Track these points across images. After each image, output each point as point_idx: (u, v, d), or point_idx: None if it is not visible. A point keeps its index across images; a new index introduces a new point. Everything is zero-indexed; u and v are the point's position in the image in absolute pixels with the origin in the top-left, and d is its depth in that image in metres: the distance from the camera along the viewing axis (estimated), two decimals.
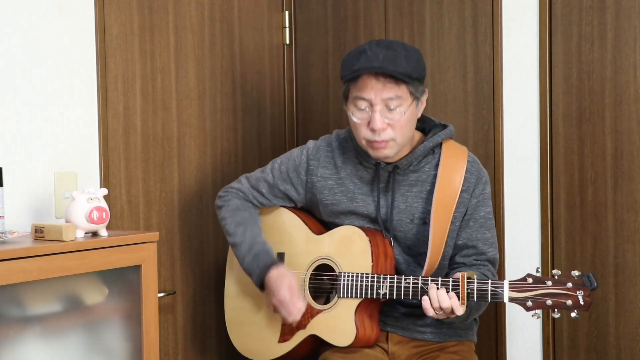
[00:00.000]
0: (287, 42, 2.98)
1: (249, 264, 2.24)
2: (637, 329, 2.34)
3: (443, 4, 2.64)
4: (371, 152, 2.13)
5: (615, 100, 2.35)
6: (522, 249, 2.50)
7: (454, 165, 2.16)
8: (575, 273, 1.88)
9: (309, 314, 2.20)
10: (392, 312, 2.22)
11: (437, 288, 1.97)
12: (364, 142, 2.12)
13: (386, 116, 2.07)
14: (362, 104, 2.08)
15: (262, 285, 2.22)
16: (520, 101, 2.50)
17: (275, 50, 2.96)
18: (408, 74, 2.05)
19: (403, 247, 2.20)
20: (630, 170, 2.33)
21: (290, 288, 2.15)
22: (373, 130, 2.08)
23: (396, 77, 2.04)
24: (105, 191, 2.00)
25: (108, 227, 2.03)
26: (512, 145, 2.52)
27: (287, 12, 2.97)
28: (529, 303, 1.90)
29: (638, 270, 2.33)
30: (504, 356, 2.54)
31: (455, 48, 2.62)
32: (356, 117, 2.11)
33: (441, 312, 1.97)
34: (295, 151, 2.33)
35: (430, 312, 1.98)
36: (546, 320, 2.46)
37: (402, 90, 2.06)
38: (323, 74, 2.94)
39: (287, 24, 2.98)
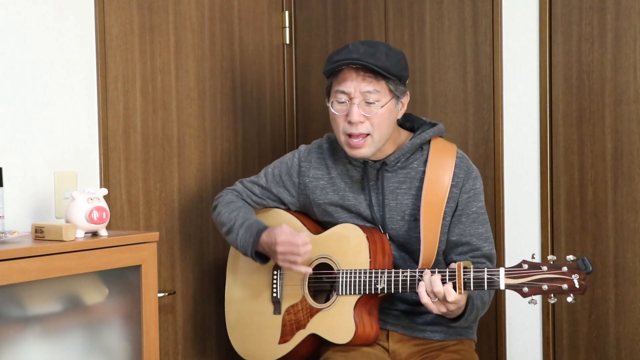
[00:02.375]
0: (287, 42, 2.98)
1: (242, 237, 2.23)
2: (637, 329, 2.34)
3: (443, 4, 2.64)
4: (348, 151, 2.17)
5: (615, 100, 2.35)
6: (522, 249, 2.49)
7: (442, 161, 2.17)
8: (571, 257, 1.88)
9: (309, 313, 2.20)
10: (392, 311, 2.23)
11: (432, 274, 1.98)
12: (342, 138, 2.16)
13: (364, 109, 2.11)
14: (342, 97, 2.14)
15: (259, 255, 2.22)
16: (520, 101, 2.50)
17: (275, 50, 2.96)
18: (386, 68, 2.09)
19: (397, 245, 2.21)
20: (630, 170, 2.33)
21: (285, 231, 2.13)
22: (350, 123, 2.12)
23: (374, 71, 2.08)
24: (105, 191, 2.00)
25: (108, 227, 2.03)
26: (512, 145, 2.52)
27: (287, 12, 2.97)
28: (525, 289, 1.90)
29: (638, 270, 2.33)
30: (504, 356, 2.54)
31: (455, 48, 2.62)
32: (335, 109, 2.16)
33: (436, 298, 1.97)
34: (287, 155, 2.38)
35: (424, 297, 1.98)
36: (546, 320, 2.46)
37: (381, 86, 2.11)
38: (323, 74, 2.93)
39: (287, 24, 2.98)
